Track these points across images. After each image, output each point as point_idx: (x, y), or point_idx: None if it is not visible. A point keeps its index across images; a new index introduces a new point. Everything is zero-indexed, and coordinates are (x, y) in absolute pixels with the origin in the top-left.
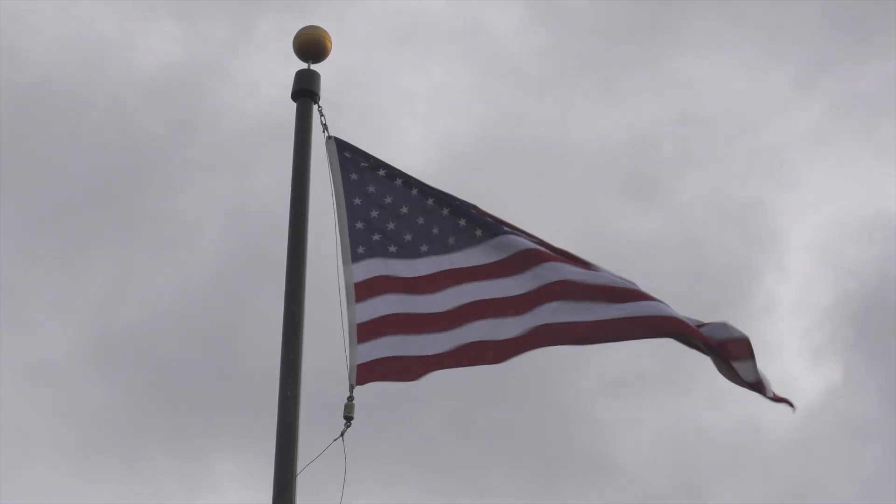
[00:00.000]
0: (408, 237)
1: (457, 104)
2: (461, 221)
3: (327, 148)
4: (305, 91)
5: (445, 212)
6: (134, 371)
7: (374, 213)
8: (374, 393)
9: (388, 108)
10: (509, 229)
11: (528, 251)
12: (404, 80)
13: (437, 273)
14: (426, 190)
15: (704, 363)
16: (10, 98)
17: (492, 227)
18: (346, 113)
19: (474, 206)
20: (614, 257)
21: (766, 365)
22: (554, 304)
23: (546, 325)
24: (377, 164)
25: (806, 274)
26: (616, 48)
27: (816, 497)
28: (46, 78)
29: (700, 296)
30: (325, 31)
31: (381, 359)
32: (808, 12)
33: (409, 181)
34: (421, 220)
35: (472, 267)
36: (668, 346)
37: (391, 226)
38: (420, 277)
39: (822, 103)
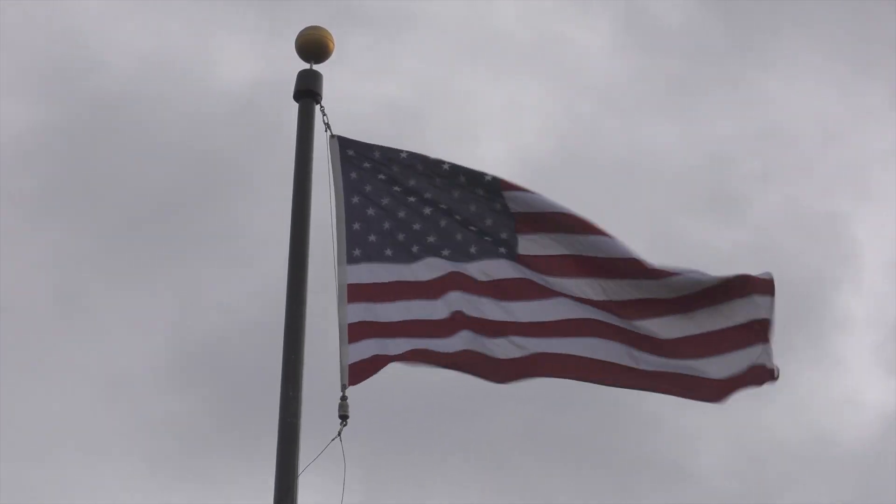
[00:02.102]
0: (401, 237)
1: (539, 120)
2: (458, 236)
3: (330, 147)
4: (307, 91)
5: (443, 223)
6: (209, 383)
7: (370, 212)
8: (448, 399)
9: (470, 122)
10: (505, 251)
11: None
12: (487, 96)
13: (431, 279)
14: (426, 199)
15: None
16: (93, 112)
17: (486, 248)
18: (426, 124)
19: (502, 182)
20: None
21: (840, 376)
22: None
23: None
24: (381, 162)
25: (882, 288)
26: (701, 66)
27: None
28: (127, 92)
29: (777, 308)
30: (326, 31)
31: (372, 357)
32: None
33: (408, 188)
34: (417, 226)
35: (465, 277)
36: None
37: (387, 225)
38: (415, 282)
39: None
